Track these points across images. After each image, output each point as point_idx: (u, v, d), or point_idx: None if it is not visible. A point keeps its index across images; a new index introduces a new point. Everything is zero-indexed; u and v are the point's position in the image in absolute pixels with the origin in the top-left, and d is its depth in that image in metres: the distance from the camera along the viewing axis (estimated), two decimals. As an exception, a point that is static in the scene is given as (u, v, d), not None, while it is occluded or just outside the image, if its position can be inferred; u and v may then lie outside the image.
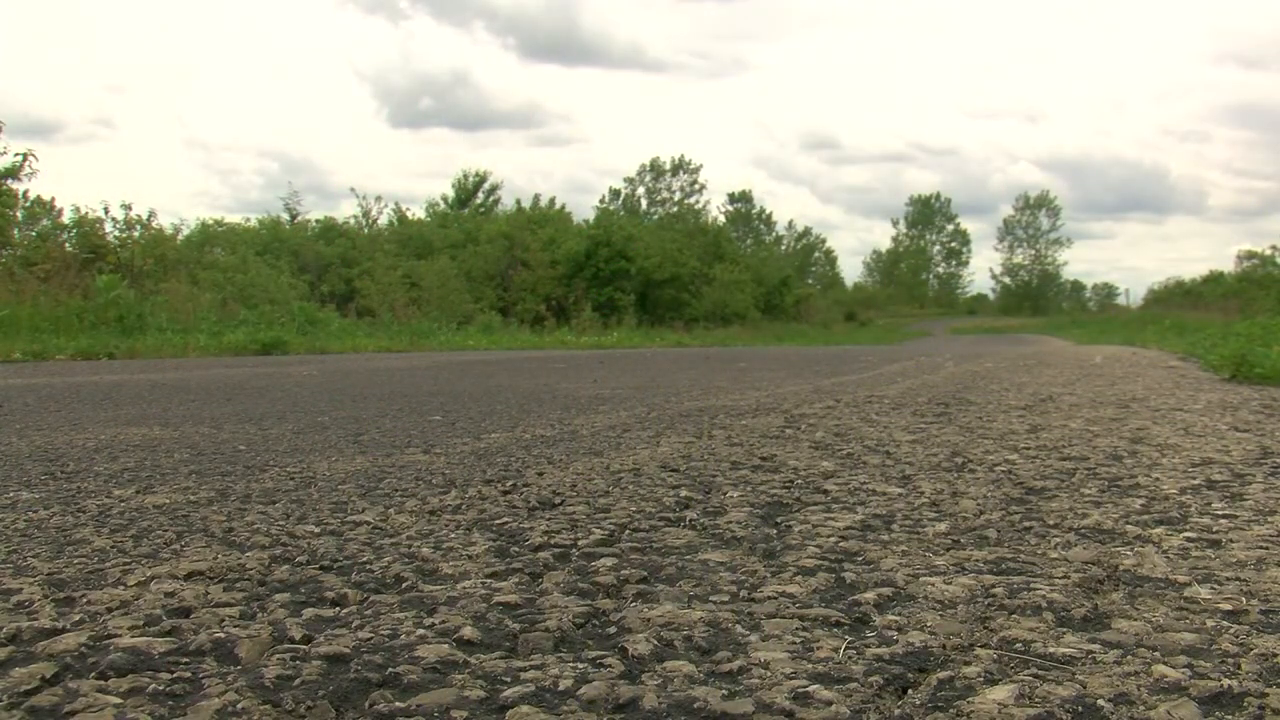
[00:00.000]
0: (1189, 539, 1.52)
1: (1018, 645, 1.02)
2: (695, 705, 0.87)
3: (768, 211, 70.82)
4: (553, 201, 41.71)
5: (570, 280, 32.21)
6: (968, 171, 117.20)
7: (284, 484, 2.10)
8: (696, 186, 62.00)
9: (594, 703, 0.88)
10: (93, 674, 0.95)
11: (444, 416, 3.69)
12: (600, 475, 2.19)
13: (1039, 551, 1.44)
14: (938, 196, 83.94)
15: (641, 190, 62.07)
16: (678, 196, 61.30)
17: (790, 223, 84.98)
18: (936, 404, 4.11)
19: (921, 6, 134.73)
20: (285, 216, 36.74)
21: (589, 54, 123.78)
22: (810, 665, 0.97)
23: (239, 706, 0.87)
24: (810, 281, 64.37)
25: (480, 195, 46.27)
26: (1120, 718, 0.84)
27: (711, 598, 1.20)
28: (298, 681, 0.92)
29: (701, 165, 65.29)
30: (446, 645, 1.02)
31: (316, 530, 1.60)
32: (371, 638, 1.05)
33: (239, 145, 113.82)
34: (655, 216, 53.71)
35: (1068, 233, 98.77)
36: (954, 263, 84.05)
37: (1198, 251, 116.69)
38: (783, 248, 68.37)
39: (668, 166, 62.54)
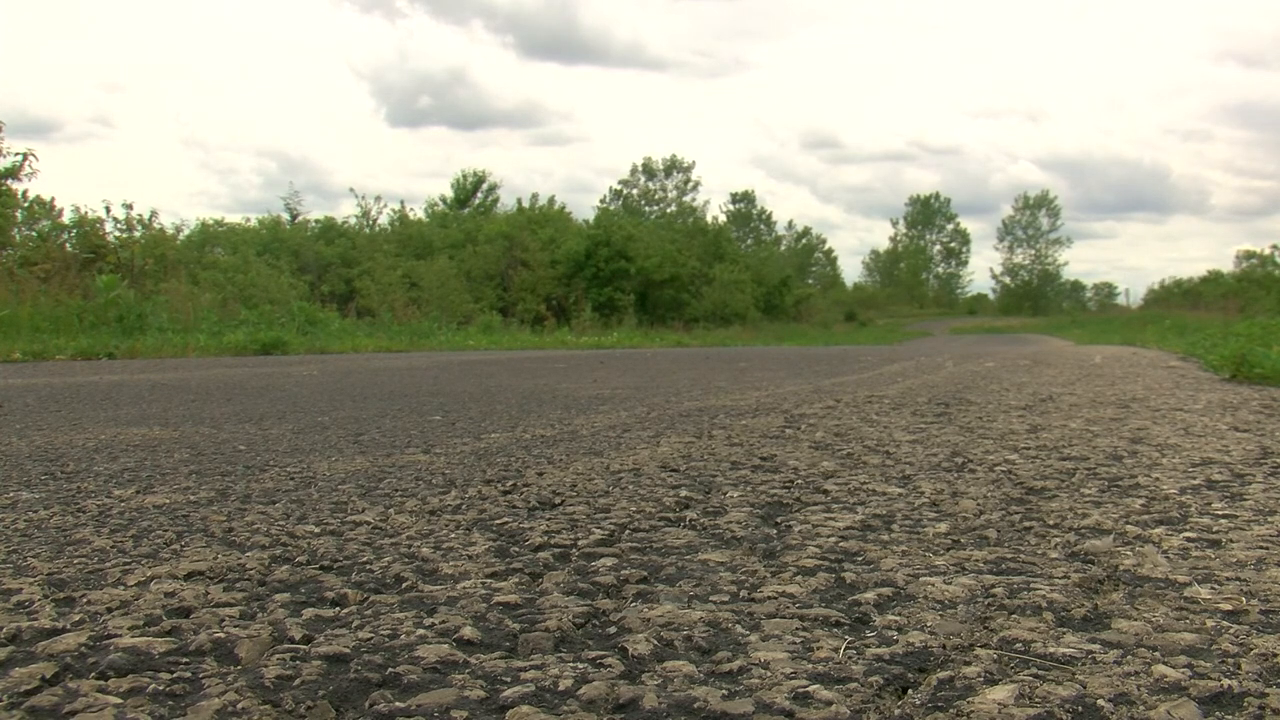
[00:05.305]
0: (1189, 539, 1.52)
1: (1018, 645, 1.02)
2: (695, 705, 0.87)
3: (768, 211, 70.98)
4: (551, 201, 41.76)
5: (570, 280, 32.23)
6: (968, 171, 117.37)
7: (284, 484, 2.10)
8: (690, 185, 62.13)
9: (594, 703, 0.88)
10: (93, 674, 0.95)
11: (444, 416, 3.69)
12: (600, 475, 2.19)
13: (1039, 551, 1.44)
14: (937, 196, 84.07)
15: (637, 191, 62.21)
16: (673, 195, 61.45)
17: (790, 223, 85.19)
18: (936, 404, 4.11)
19: (922, 5, 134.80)
20: (285, 216, 36.79)
21: (588, 52, 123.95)
22: (810, 665, 0.97)
23: (239, 706, 0.87)
24: (810, 281, 64.46)
25: (479, 195, 46.32)
26: (1120, 718, 0.84)
27: (711, 598, 1.20)
28: (298, 681, 0.92)
29: (694, 163, 65.47)
30: (446, 645, 1.02)
31: (316, 530, 1.60)
32: (371, 638, 1.05)
33: (237, 145, 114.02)
34: (653, 216, 53.80)
35: (1068, 232, 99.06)
36: (954, 263, 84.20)
37: (1199, 251, 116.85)
38: (783, 248, 68.43)
39: (660, 166, 62.67)
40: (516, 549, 1.46)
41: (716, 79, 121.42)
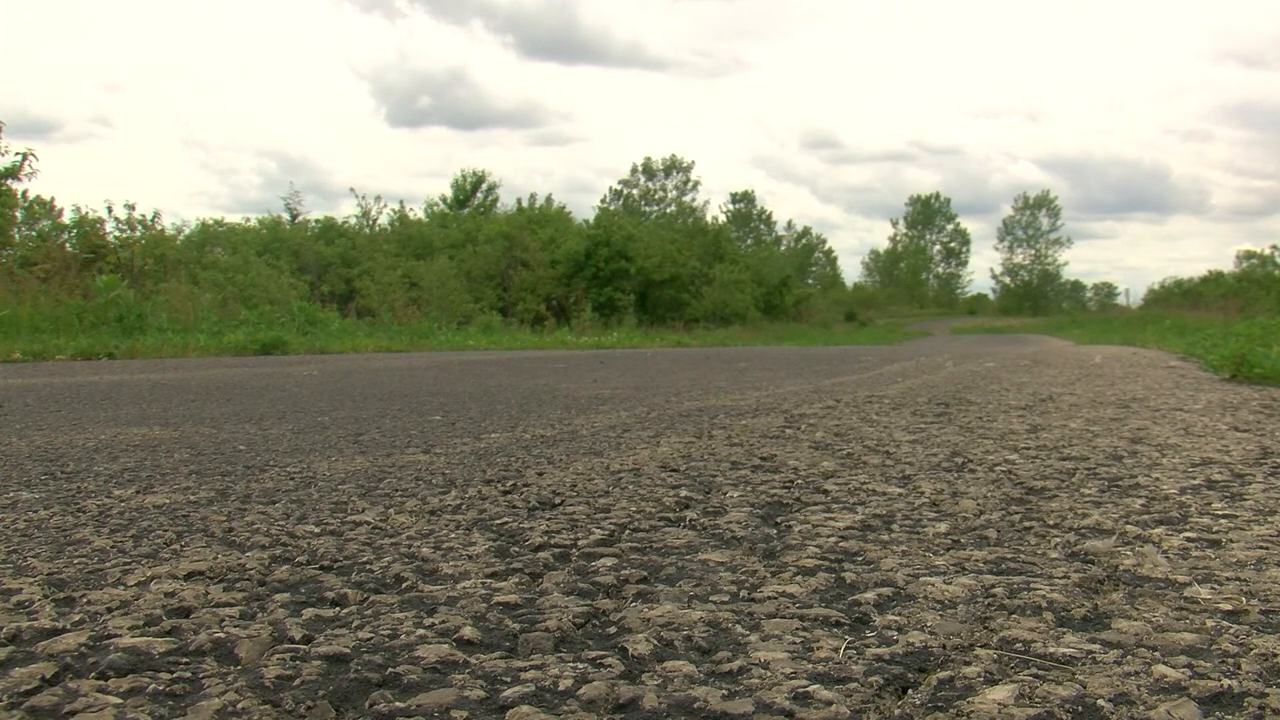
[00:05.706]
0: (1189, 539, 1.52)
1: (1018, 645, 1.02)
2: (695, 705, 0.87)
3: (768, 211, 71.02)
4: (550, 200, 41.79)
5: (570, 280, 32.25)
6: (968, 171, 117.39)
7: (284, 484, 2.10)
8: (690, 185, 62.19)
9: (594, 703, 0.88)
10: (93, 674, 0.95)
11: (444, 416, 3.69)
12: (600, 475, 2.19)
13: (1039, 551, 1.44)
14: (937, 196, 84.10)
15: (637, 191, 62.29)
16: (672, 195, 61.53)
17: (790, 223, 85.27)
18: (936, 404, 4.11)
19: (922, 5, 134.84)
20: (285, 216, 36.82)
21: (588, 52, 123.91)
22: (810, 665, 0.97)
23: (239, 706, 0.87)
24: (810, 281, 64.51)
25: (479, 195, 46.36)
26: (1120, 718, 0.84)
27: (711, 598, 1.20)
28: (298, 681, 0.92)
29: (694, 163, 65.57)
30: (446, 645, 1.02)
31: (316, 530, 1.60)
32: (371, 638, 1.05)
33: (237, 145, 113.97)
34: (653, 216, 53.87)
35: (1068, 232, 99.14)
36: (954, 263, 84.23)
37: (1199, 251, 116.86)
38: (783, 248, 68.43)
39: (660, 166, 62.72)
40: (516, 549, 1.46)
41: (716, 79, 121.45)
